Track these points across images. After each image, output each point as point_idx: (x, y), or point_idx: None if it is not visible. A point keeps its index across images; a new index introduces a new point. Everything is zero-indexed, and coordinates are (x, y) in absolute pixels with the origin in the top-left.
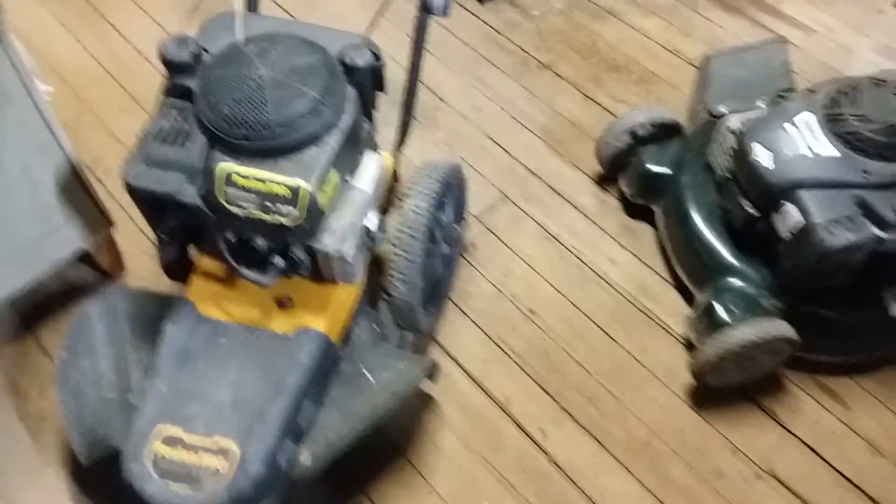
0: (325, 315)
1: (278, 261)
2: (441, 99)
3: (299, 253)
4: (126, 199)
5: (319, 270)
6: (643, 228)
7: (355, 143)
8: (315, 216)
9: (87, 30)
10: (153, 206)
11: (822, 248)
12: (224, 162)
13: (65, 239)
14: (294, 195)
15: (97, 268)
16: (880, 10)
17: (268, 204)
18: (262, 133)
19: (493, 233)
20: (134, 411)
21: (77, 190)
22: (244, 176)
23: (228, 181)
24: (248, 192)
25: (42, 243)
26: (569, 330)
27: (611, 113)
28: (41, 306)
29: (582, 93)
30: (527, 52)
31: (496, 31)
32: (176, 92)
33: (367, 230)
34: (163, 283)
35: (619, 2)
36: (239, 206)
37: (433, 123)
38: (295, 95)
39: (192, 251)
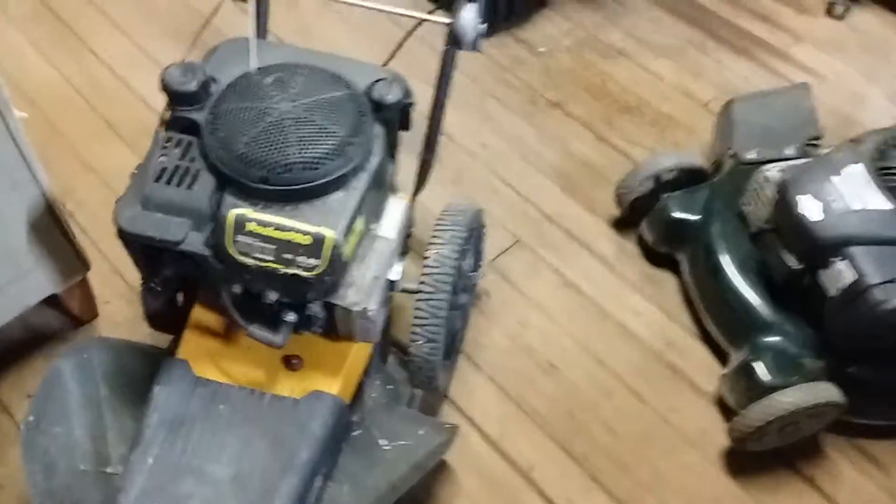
0: (339, 377)
1: (291, 317)
2: (444, 134)
3: (316, 309)
4: (101, 236)
5: (335, 326)
6: (665, 278)
7: (381, 187)
8: (338, 268)
9: (62, 51)
10: (148, 254)
11: (878, 310)
12: (237, 208)
13: (34, 284)
14: (317, 245)
15: (66, 312)
16: (890, 59)
17: (286, 255)
18: (283, 176)
19: (507, 280)
20: (113, 487)
21: (51, 230)
22: (261, 223)
23: (241, 229)
24: (263, 242)
25: (7, 290)
26: (593, 387)
27: (626, 156)
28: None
29: (595, 134)
30: (534, 90)
31: (502, 66)
32: (179, 126)
33: (391, 283)
34: (141, 332)
35: (629, 42)
36: (252, 258)
37: (438, 160)
38: (320, 133)
39: (180, 297)
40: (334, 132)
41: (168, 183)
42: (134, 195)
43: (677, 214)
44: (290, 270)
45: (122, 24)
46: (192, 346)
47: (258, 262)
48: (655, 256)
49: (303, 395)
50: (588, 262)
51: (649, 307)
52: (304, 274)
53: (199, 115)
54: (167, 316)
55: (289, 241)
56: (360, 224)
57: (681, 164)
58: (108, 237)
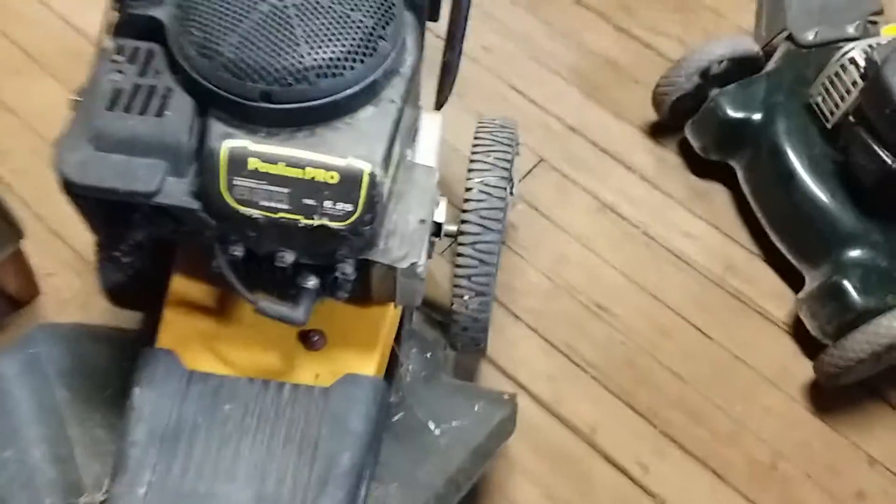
0: (375, 352)
1: (312, 282)
2: (438, 36)
3: (347, 269)
4: (32, 193)
5: (367, 289)
6: (716, 190)
7: (416, 98)
8: (378, 213)
9: None
10: (109, 212)
11: None
12: (231, 139)
13: None
14: (349, 184)
15: None
16: None
17: (306, 200)
18: (293, 88)
19: (535, 209)
20: None
21: None
22: (267, 158)
23: (239, 169)
24: (272, 185)
25: None
26: (651, 327)
27: (651, 48)
28: None
29: (613, 25)
30: None
31: None
32: (133, 29)
33: (437, 227)
34: (98, 307)
35: None
36: (257, 208)
37: (432, 68)
38: (339, 24)
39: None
40: (359, 21)
41: (127, 110)
42: (80, 132)
43: (732, 113)
44: (314, 221)
45: None
46: (176, 329)
47: (267, 214)
48: (703, 166)
49: (333, 381)
50: (625, 179)
51: (702, 226)
52: (334, 225)
53: (160, 11)
54: (133, 289)
55: (309, 182)
56: (397, 150)
57: (736, 52)
58: (40, 194)
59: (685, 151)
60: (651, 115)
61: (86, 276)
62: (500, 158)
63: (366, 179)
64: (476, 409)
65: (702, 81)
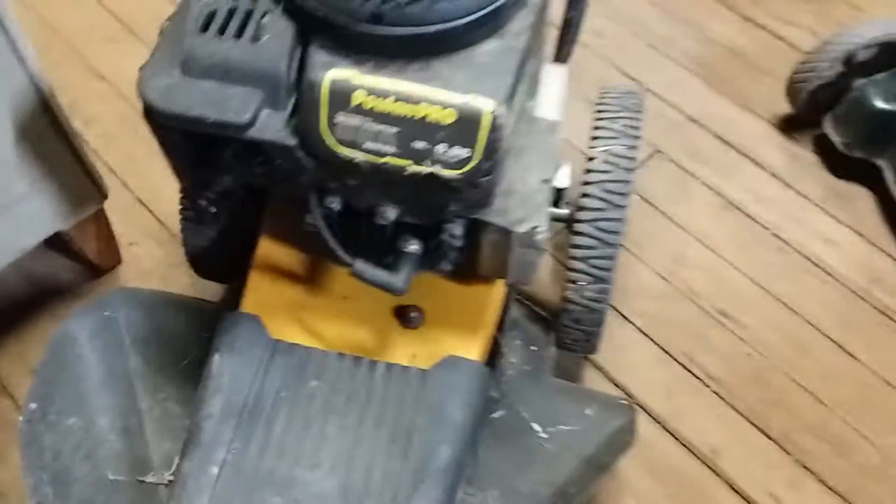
0: (479, 334)
1: (414, 246)
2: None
3: (456, 232)
4: (119, 159)
5: (474, 259)
6: (858, 192)
7: (541, 43)
8: (498, 162)
9: None
10: (195, 149)
11: None
12: (335, 68)
13: (31, 218)
14: (467, 124)
15: (78, 258)
16: None
17: (415, 143)
18: (408, 10)
19: (650, 203)
20: None
21: (50, 138)
22: (375, 92)
23: (343, 104)
24: (379, 123)
25: None
26: (784, 341)
27: (780, 38)
28: None
29: (738, 13)
30: None
31: None
32: None
33: (557, 195)
34: (181, 282)
35: None
36: (360, 150)
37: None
38: None
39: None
40: None
41: (221, 33)
42: (168, 56)
43: (883, 105)
44: (424, 168)
45: None
46: (262, 295)
47: (371, 158)
48: (843, 165)
49: (431, 364)
50: (753, 176)
51: (842, 231)
52: (447, 173)
53: None
54: (219, 256)
55: (420, 121)
56: (520, 95)
57: (890, 36)
58: (127, 161)
59: (822, 148)
60: (782, 109)
61: (169, 248)
62: (628, 126)
63: (486, 120)
64: (588, 413)
65: (844, 69)
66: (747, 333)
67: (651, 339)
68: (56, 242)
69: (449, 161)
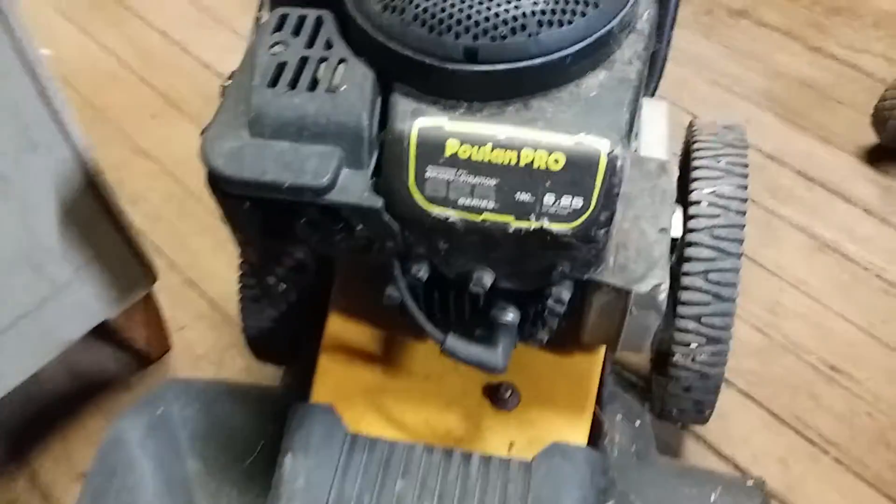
0: (585, 414)
1: (511, 316)
2: None
3: (563, 295)
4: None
5: (579, 327)
6: None
7: (649, 72)
8: (613, 209)
9: (99, 18)
10: (266, 217)
11: None
12: (424, 116)
13: (76, 307)
14: (580, 168)
15: (126, 346)
16: None
17: (519, 195)
18: (507, 41)
19: None
20: None
21: (96, 219)
22: (471, 140)
23: (434, 156)
24: (475, 175)
25: (36, 319)
26: None
27: (854, 67)
28: (34, 416)
29: (804, 44)
30: None
31: None
32: None
33: (673, 242)
34: (235, 366)
35: None
36: (455, 207)
37: None
38: None
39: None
40: None
41: (293, 86)
42: (233, 116)
43: None
44: (530, 224)
45: None
46: (334, 380)
47: (467, 215)
48: None
49: (534, 453)
50: (846, 214)
51: None
52: (557, 228)
53: None
54: (282, 337)
55: (524, 169)
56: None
57: None
58: (175, 241)
59: None
60: (866, 139)
61: (221, 330)
62: (735, 163)
63: (603, 162)
64: (713, 500)
65: None
66: (863, 389)
67: (756, 401)
68: (101, 330)
69: (559, 213)
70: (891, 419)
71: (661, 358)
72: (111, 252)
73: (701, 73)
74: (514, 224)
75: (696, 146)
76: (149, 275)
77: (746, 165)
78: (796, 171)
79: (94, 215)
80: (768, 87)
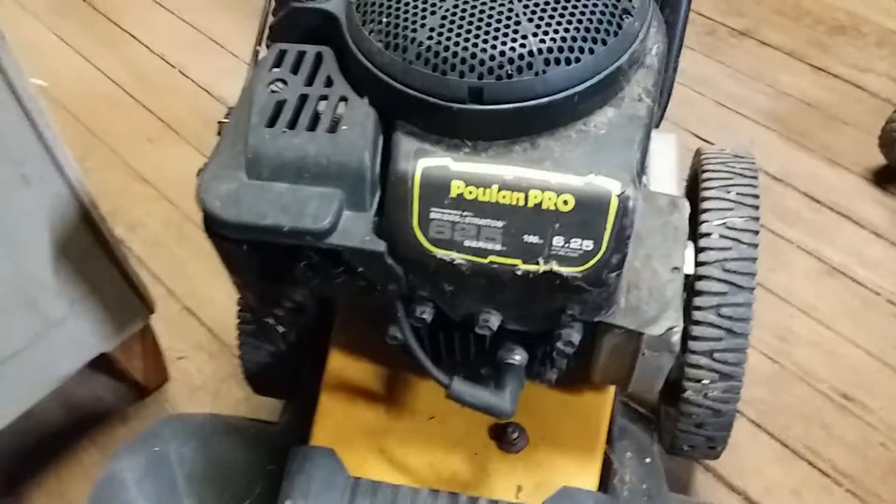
0: (595, 456)
1: (518, 358)
2: None
3: (574, 337)
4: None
5: (588, 367)
6: None
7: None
8: (625, 252)
9: (95, 41)
10: (264, 261)
11: None
12: (427, 157)
13: (71, 341)
14: (590, 210)
15: (122, 378)
16: None
17: (527, 237)
18: (513, 80)
19: None
20: None
21: (91, 253)
22: (476, 181)
23: (439, 197)
24: (480, 217)
25: (30, 355)
26: None
27: (858, 87)
28: (29, 450)
29: (807, 63)
30: (710, 19)
31: None
32: (296, 29)
33: (686, 279)
34: (234, 396)
35: None
36: (461, 250)
37: None
38: None
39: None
40: None
41: (292, 126)
42: (230, 157)
43: None
44: (538, 267)
45: (167, 1)
46: (335, 421)
47: (473, 258)
48: None
49: (543, 498)
50: (853, 235)
51: None
52: (566, 271)
53: (331, 3)
54: (282, 373)
55: (531, 211)
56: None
57: None
58: (173, 268)
59: None
60: (873, 160)
61: (220, 360)
62: (744, 194)
63: (614, 204)
64: None
65: None
66: (876, 419)
67: (767, 432)
68: (97, 361)
69: (569, 256)
70: None
71: (671, 388)
72: (107, 285)
73: (705, 93)
74: (522, 267)
75: (704, 176)
76: (146, 306)
77: (757, 196)
78: (803, 192)
79: (89, 249)
80: (772, 108)
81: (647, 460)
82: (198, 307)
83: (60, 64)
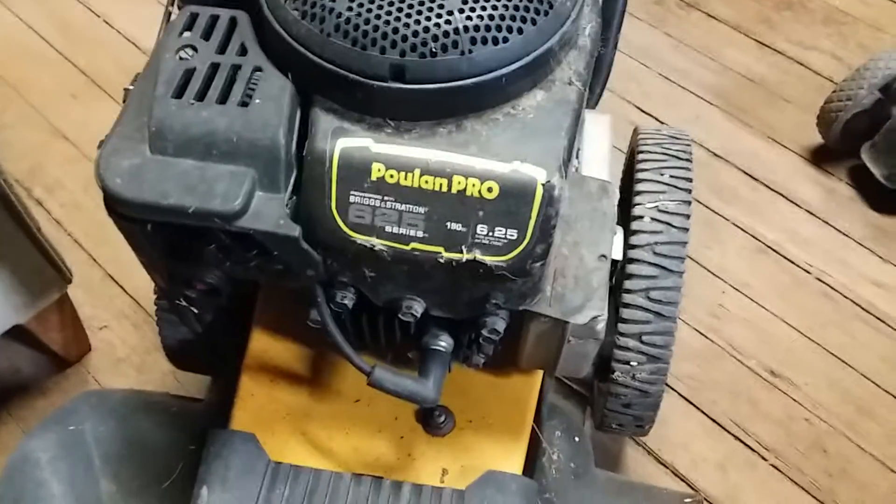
0: (521, 440)
1: (443, 344)
2: None
3: (498, 325)
4: (84, 230)
5: (514, 352)
6: None
7: (589, 88)
8: (550, 244)
9: None
10: (172, 242)
11: None
12: (347, 136)
13: None
14: (515, 198)
15: (41, 348)
16: None
17: (450, 224)
18: (437, 59)
19: None
20: None
21: (1, 223)
22: (398, 164)
23: (358, 179)
24: (402, 202)
25: None
26: (843, 401)
27: (802, 64)
28: None
29: (753, 39)
30: None
31: None
32: None
33: (612, 267)
34: (160, 368)
35: None
36: (381, 235)
37: None
38: None
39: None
40: None
41: (200, 98)
42: (134, 128)
43: None
44: (462, 255)
45: None
46: (256, 403)
47: (394, 244)
48: (885, 199)
49: (468, 482)
50: (788, 214)
51: (891, 272)
52: (490, 260)
53: None
54: (201, 350)
55: (455, 197)
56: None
57: None
58: (95, 232)
59: (860, 181)
60: (812, 139)
61: (145, 330)
62: (678, 177)
63: (539, 193)
64: None
65: (882, 97)
66: (802, 395)
67: (696, 407)
68: (15, 332)
69: (492, 245)
70: (829, 426)
71: (604, 364)
72: (18, 255)
73: (649, 65)
74: (445, 255)
75: (639, 157)
76: (62, 277)
77: (691, 180)
78: (741, 169)
79: (5, 223)
80: (716, 83)
81: (576, 439)
82: (121, 274)
83: None
